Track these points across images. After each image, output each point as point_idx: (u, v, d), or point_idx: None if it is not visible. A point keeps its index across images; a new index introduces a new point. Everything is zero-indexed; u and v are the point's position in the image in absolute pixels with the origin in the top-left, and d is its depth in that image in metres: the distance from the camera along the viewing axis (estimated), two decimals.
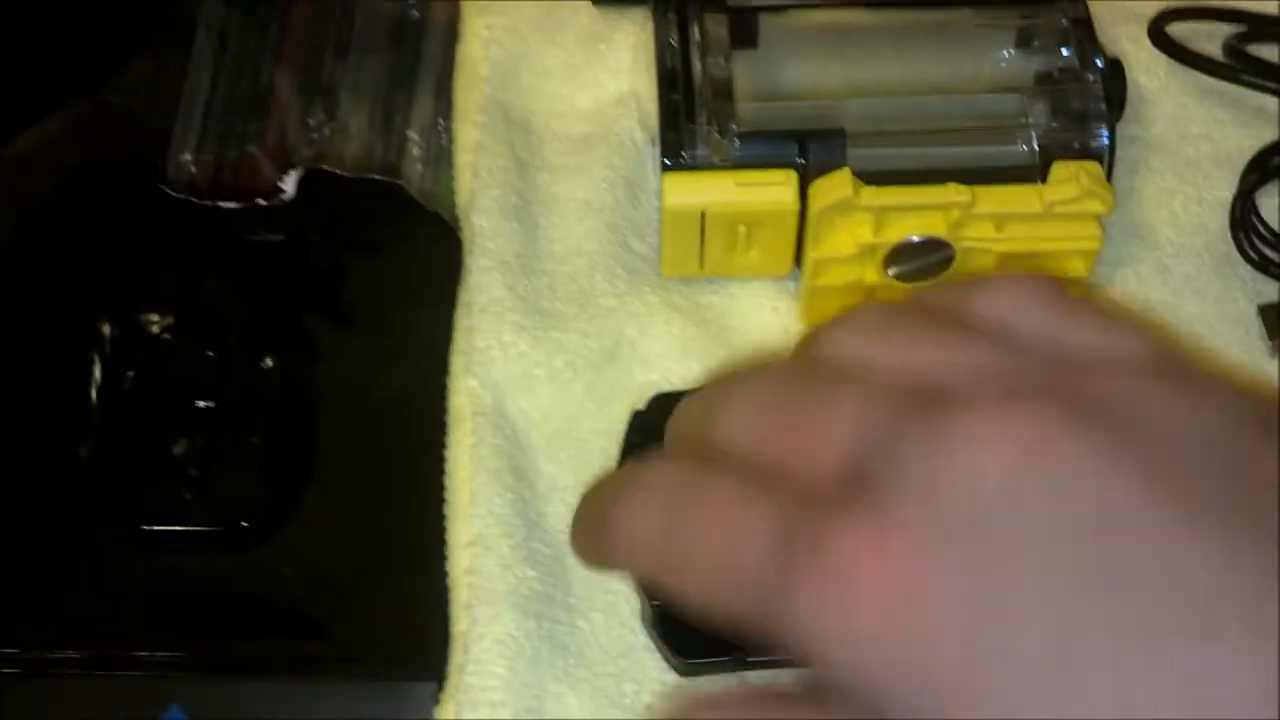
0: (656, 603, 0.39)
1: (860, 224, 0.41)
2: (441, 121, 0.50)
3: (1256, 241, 0.45)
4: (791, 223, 0.42)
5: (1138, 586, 0.23)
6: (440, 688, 0.39)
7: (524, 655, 0.39)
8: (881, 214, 0.41)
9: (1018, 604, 0.24)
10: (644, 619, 0.40)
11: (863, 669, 0.25)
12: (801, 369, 0.29)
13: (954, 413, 0.25)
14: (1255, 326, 0.44)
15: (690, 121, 0.42)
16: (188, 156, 0.49)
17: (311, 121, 0.50)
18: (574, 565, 0.41)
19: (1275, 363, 0.43)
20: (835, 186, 0.41)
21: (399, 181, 0.48)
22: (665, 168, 0.42)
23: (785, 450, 0.28)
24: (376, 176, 0.49)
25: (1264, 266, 0.45)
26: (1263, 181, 0.45)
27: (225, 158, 0.49)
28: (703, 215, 0.42)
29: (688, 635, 0.39)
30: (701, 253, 0.43)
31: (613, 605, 0.41)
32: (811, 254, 0.42)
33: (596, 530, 0.31)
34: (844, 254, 0.42)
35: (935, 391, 0.26)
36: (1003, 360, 0.27)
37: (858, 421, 0.27)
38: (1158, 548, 0.23)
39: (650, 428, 0.41)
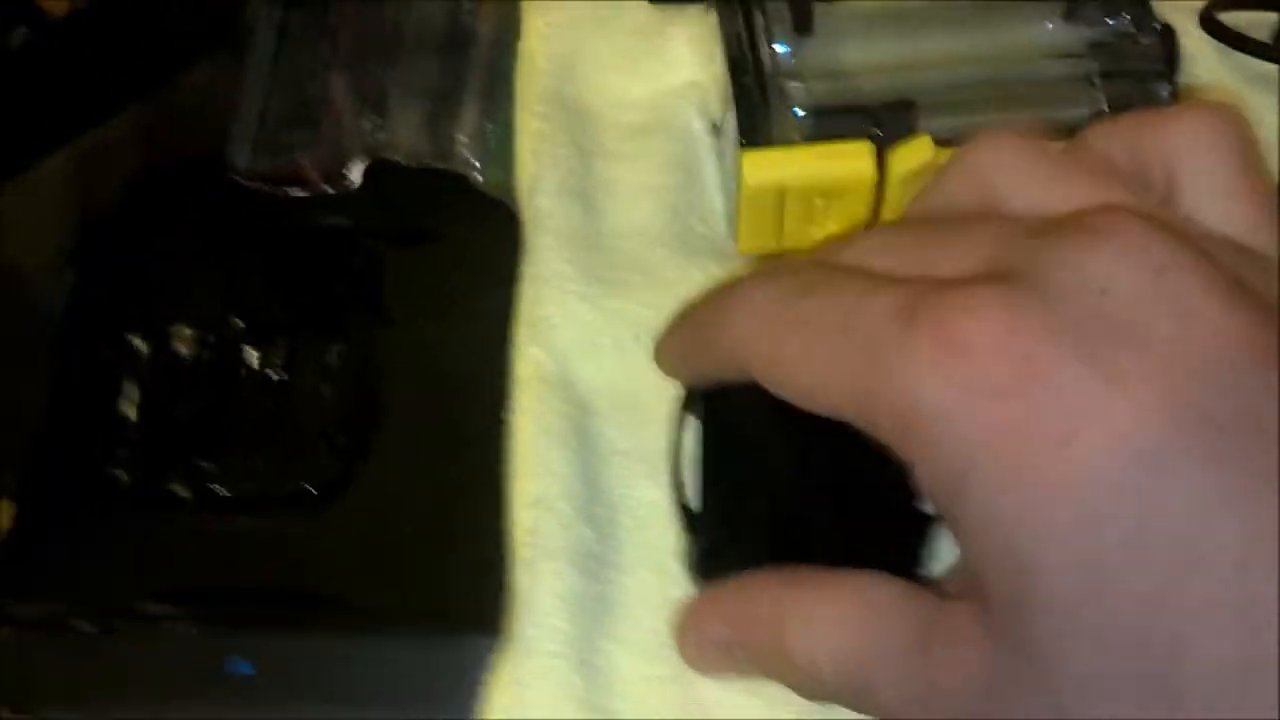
0: (703, 543, 0.39)
1: None
2: (489, 125, 0.50)
3: None
4: (869, 193, 0.42)
5: (1231, 419, 0.24)
6: (498, 642, 0.39)
7: (582, 611, 0.39)
8: None
9: (1121, 407, 0.24)
10: (687, 562, 0.40)
11: (960, 441, 0.25)
12: (931, 218, 0.29)
13: (1097, 227, 0.26)
14: None
15: (763, 102, 0.43)
16: (243, 163, 0.50)
17: (363, 125, 0.51)
18: (627, 525, 0.41)
19: None
20: (917, 152, 0.41)
21: (459, 170, 0.49)
22: (743, 146, 0.42)
23: (920, 265, 0.27)
24: (437, 165, 0.49)
25: None
26: None
27: (278, 163, 0.50)
28: (781, 191, 0.42)
29: (730, 574, 0.38)
30: (778, 228, 0.43)
31: (662, 564, 0.40)
32: None
33: (704, 322, 0.31)
34: None
35: (1075, 214, 0.26)
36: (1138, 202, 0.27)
37: (998, 236, 0.27)
38: (1250, 396, 0.24)
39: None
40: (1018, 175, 0.29)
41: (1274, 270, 0.27)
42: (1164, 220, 0.27)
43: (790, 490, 0.39)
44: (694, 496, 0.40)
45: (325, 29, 0.53)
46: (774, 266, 0.31)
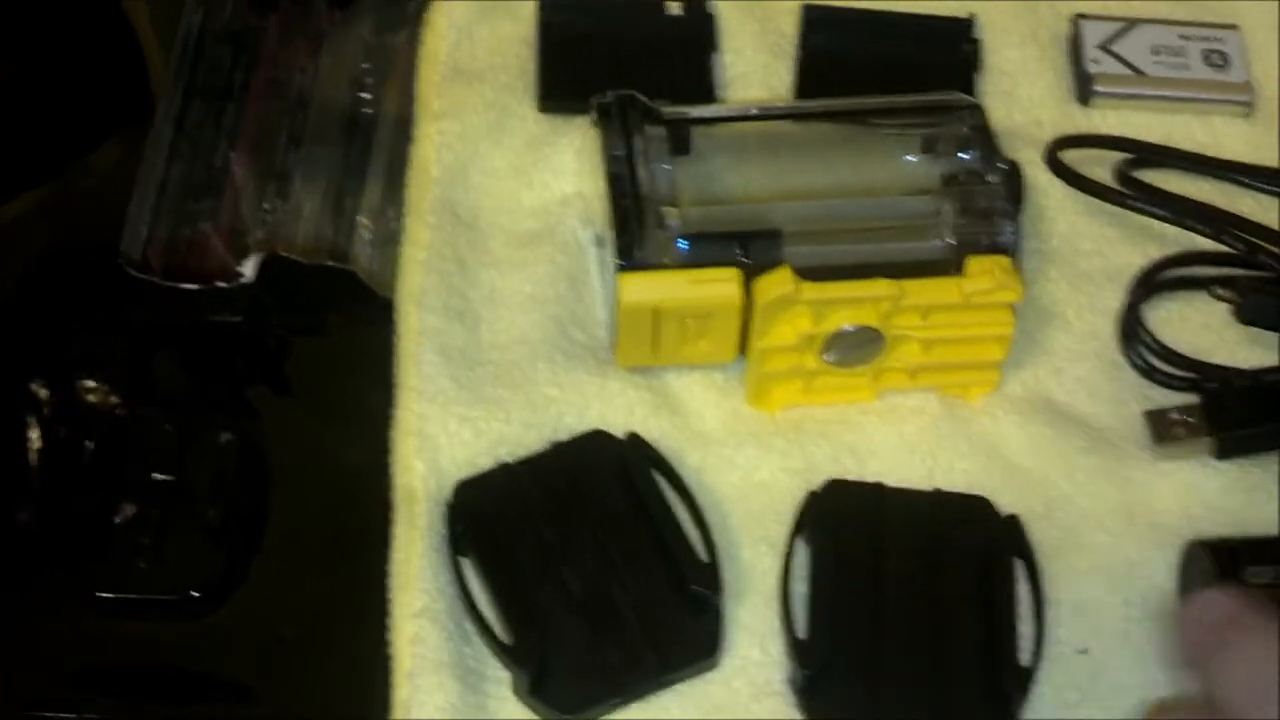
0: (808, 672, 0.38)
1: (800, 316, 0.40)
2: (391, 210, 0.48)
3: (1143, 350, 0.44)
4: (737, 316, 0.41)
5: None
6: None
7: None
8: (820, 307, 0.40)
9: None
10: (793, 687, 0.38)
11: None
12: None
13: None
14: (1144, 428, 0.43)
15: (640, 225, 0.41)
16: (143, 233, 0.47)
17: (265, 204, 0.48)
18: None
19: (1158, 464, 0.43)
20: (778, 283, 0.40)
21: (351, 269, 0.46)
22: (620, 268, 0.41)
23: None
24: (332, 263, 0.47)
25: (1149, 374, 0.44)
26: (1148, 295, 0.45)
27: (179, 235, 0.47)
28: (656, 311, 0.41)
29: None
30: (654, 344, 0.42)
31: None
32: (758, 344, 0.41)
33: None
34: (787, 343, 0.41)
35: None
36: None
37: None
38: None
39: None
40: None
41: None
42: None
43: (892, 630, 0.39)
44: (801, 620, 0.39)
45: (228, 109, 0.50)
46: None
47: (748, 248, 0.41)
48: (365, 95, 0.51)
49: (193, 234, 0.47)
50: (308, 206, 0.48)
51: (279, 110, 0.50)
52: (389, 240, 0.47)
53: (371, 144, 0.50)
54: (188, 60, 0.51)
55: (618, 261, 0.41)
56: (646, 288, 0.40)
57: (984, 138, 0.44)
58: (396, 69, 0.51)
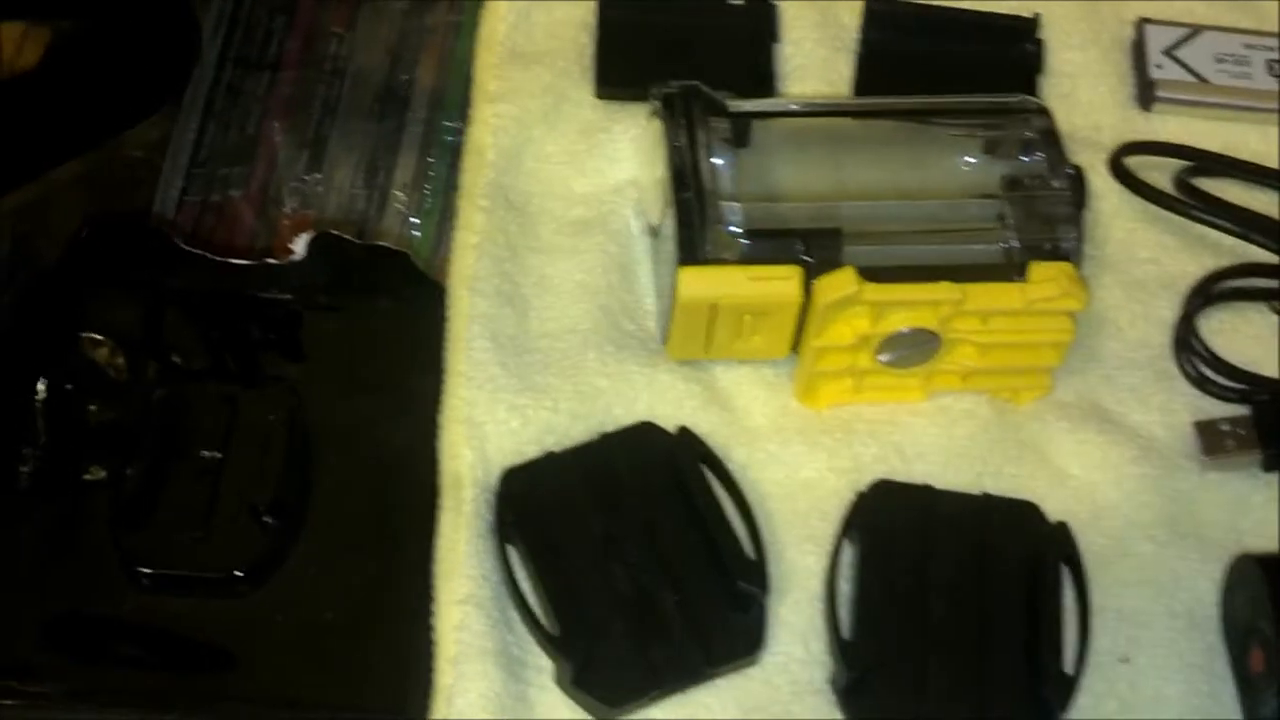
0: (851, 672, 0.38)
1: (859, 316, 0.40)
2: (427, 185, 0.48)
3: (1196, 361, 0.44)
4: (794, 313, 0.40)
5: None
6: None
7: (505, 711, 0.37)
8: (879, 308, 0.40)
9: None
10: (834, 687, 0.38)
11: None
12: None
13: None
14: (1194, 438, 0.43)
15: (702, 220, 0.41)
16: (175, 197, 0.47)
17: (300, 174, 0.48)
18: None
19: (1207, 475, 0.42)
20: (841, 283, 0.39)
21: (404, 250, 0.46)
22: (681, 262, 0.40)
23: None
24: (384, 244, 0.46)
25: (1201, 384, 0.44)
26: (1205, 305, 0.44)
27: (210, 202, 0.47)
28: (714, 307, 0.40)
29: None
30: (708, 338, 0.42)
31: None
32: (814, 342, 0.41)
33: None
34: (843, 343, 0.41)
35: None
36: None
37: None
38: None
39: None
40: None
41: None
42: None
43: (936, 633, 0.38)
44: (846, 621, 0.39)
45: (264, 77, 0.50)
46: None
47: (809, 246, 0.40)
48: (401, 67, 0.51)
49: (224, 200, 0.47)
50: (340, 175, 0.48)
51: (314, 79, 0.50)
52: (420, 213, 0.47)
53: (406, 116, 0.49)
54: (224, 24, 0.51)
55: (678, 255, 0.40)
56: (706, 283, 0.40)
57: (1051, 142, 0.43)
58: (433, 41, 0.51)
